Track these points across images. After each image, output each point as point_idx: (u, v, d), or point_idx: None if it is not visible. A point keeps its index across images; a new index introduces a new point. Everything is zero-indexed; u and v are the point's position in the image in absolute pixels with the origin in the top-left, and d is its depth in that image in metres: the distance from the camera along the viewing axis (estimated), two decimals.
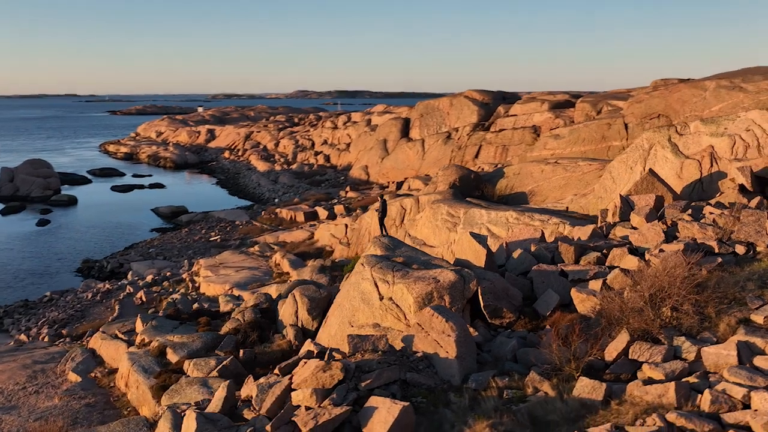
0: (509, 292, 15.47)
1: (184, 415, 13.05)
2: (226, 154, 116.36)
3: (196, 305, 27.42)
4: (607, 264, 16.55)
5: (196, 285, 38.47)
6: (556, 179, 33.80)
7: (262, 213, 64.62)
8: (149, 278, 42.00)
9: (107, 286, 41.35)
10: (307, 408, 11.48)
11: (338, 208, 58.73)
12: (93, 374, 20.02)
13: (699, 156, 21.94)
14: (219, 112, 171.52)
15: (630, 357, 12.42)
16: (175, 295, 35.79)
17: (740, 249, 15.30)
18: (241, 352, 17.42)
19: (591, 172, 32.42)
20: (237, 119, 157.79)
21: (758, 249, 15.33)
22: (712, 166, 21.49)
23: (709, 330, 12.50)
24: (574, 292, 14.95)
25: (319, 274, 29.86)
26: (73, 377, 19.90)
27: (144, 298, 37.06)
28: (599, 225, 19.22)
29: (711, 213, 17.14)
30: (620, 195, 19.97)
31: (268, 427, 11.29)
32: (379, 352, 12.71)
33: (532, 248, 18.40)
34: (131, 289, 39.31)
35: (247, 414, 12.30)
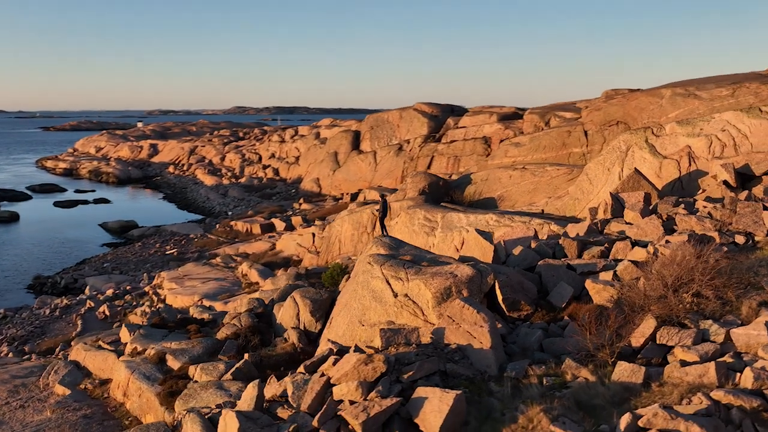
0: (524, 286, 15.54)
1: (210, 416, 12.57)
2: (171, 168, 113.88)
3: (179, 315, 26.51)
4: (611, 257, 16.83)
5: (162, 297, 37.36)
6: (524, 184, 34.31)
7: (217, 226, 63.53)
8: (109, 292, 40.60)
9: (65, 301, 39.74)
10: (351, 402, 11.17)
11: (296, 220, 58.23)
12: (82, 386, 19.03)
13: (677, 156, 22.64)
14: (160, 127, 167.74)
15: (658, 342, 12.58)
16: (142, 308, 34.70)
17: (740, 239, 15.82)
18: (246, 355, 16.90)
19: (559, 177, 33.06)
20: (179, 134, 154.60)
21: (757, 238, 15.89)
22: (690, 165, 22.21)
23: (732, 313, 12.83)
24: (589, 284, 15.12)
25: (297, 281, 29.35)
26: (61, 390, 18.88)
27: (107, 312, 35.81)
28: (593, 221, 19.53)
29: (705, 207, 17.67)
30: (610, 193, 20.37)
31: (314, 423, 10.94)
32: (413, 345, 12.52)
33: (532, 245, 18.56)
34: (92, 304, 37.91)
35: (282, 412, 11.89)
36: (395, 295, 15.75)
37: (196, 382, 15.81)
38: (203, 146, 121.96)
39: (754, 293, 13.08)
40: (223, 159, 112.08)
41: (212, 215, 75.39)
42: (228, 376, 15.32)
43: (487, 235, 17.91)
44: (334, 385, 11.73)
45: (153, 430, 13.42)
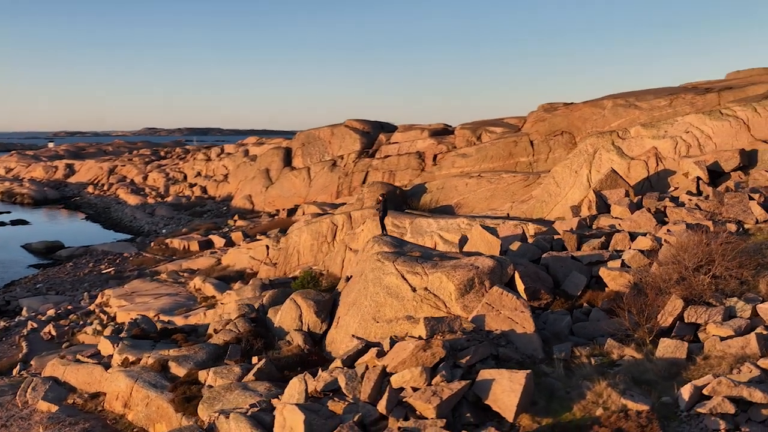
0: (540, 275, 15.74)
1: (251, 415, 12.01)
2: (90, 188, 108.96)
3: (160, 325, 25.24)
4: (611, 248, 17.32)
5: (111, 315, 35.60)
6: (481, 191, 34.90)
7: (151, 244, 61.25)
8: (50, 313, 38.31)
9: (2, 323, 37.17)
10: (414, 388, 10.95)
11: (236, 236, 56.99)
12: (70, 401, 17.72)
13: (644, 156, 23.63)
14: (74, 147, 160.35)
15: (686, 321, 12.99)
16: (92, 327, 33.00)
17: (731, 227, 16.62)
18: (257, 359, 16.30)
19: (516, 183, 33.83)
20: (95, 154, 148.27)
21: (747, 226, 16.78)
22: (658, 165, 23.22)
23: (751, 291, 13.44)
24: (604, 271, 15.48)
25: (266, 291, 28.60)
26: (46, 406, 17.52)
27: (54, 332, 33.81)
28: (582, 218, 20.05)
29: (691, 199, 18.50)
30: (593, 191, 20.99)
31: (380, 410, 10.65)
32: (458, 332, 12.41)
33: (529, 240, 18.86)
34: (34, 325, 35.66)
35: (333, 405, 11.49)
36: (413, 290, 15.61)
37: (211, 386, 15.08)
38: (123, 165, 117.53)
39: (766, 272, 13.76)
40: (145, 178, 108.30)
41: (142, 234, 72.60)
42: (250, 377, 14.68)
43: (492, 230, 18.06)
44: (391, 373, 11.46)
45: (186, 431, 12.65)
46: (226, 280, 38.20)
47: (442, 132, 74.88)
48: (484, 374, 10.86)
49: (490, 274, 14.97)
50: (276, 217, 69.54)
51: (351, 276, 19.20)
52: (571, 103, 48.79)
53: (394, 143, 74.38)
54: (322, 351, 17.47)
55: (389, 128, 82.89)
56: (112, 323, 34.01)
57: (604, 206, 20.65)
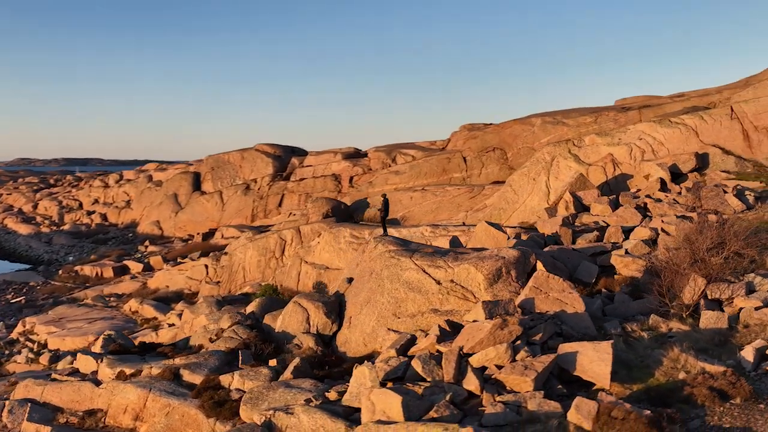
0: (557, 265, 16.17)
1: (324, 406, 11.50)
2: None
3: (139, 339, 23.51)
4: (605, 241, 18.10)
5: (42, 342, 32.94)
6: (426, 204, 35.39)
7: (59, 272, 57.23)
8: None
9: None
10: (498, 366, 10.92)
11: (155, 260, 54.65)
12: (62, 421, 16.10)
13: (602, 162, 24.93)
14: None
15: (710, 297, 13.80)
16: (22, 355, 30.45)
17: (712, 217, 17.85)
18: (275, 361, 15.64)
19: (460, 195, 34.59)
20: None
21: (725, 216, 18.04)
22: (615, 169, 24.57)
23: (761, 268, 14.48)
24: (616, 259, 16.15)
25: (229, 306, 27.48)
26: (33, 428, 15.82)
27: None
28: (565, 216, 20.81)
29: (667, 195, 19.70)
30: (569, 192, 21.86)
31: (470, 388, 10.52)
32: (515, 315, 12.51)
33: (523, 237, 19.35)
34: None
35: (412, 388, 11.21)
36: (438, 283, 15.58)
37: (239, 389, 14.28)
38: (9, 194, 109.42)
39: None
40: (35, 207, 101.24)
41: (42, 263, 67.78)
42: (288, 375, 14.03)
43: (497, 226, 18.36)
44: (468, 354, 11.37)
45: (246, 430, 11.80)
46: (165, 301, 36.32)
47: (355, 155, 75.41)
48: (565, 347, 11.01)
49: (515, 263, 15.24)
50: (190, 241, 67.05)
51: (352, 278, 18.85)
52: (490, 124, 50.61)
53: (308, 166, 73.95)
54: (334, 352, 17.00)
55: (300, 152, 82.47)
56: (45, 350, 31.52)
57: (580, 206, 21.55)
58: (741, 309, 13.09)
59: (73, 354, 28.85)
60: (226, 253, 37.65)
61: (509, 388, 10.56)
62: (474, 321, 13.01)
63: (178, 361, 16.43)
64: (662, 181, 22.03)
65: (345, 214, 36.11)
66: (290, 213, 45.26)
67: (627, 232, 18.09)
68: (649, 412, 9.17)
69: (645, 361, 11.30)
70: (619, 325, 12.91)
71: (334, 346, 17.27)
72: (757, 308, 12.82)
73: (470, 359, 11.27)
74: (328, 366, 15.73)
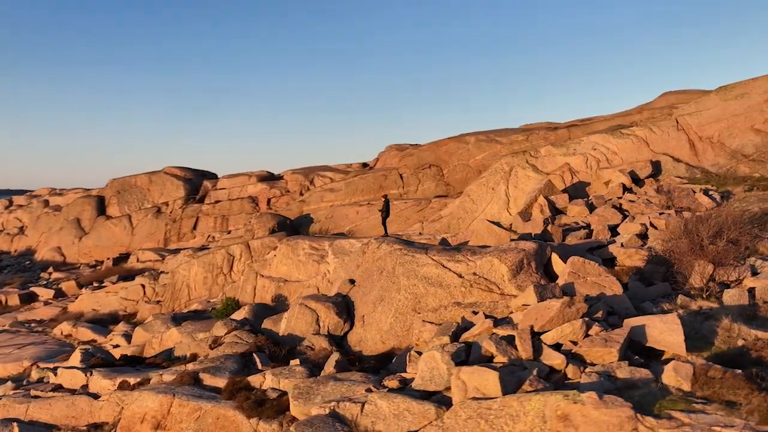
0: (566, 258, 16.65)
1: (401, 390, 11.20)
2: None
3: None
4: (594, 237, 18.89)
5: None
6: (374, 218, 35.40)
7: None
8: None
9: None
10: (573, 341, 11.11)
11: (68, 285, 51.29)
12: None
13: (559, 171, 26.05)
14: None
15: (718, 281, 14.73)
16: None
17: (687, 214, 19.08)
18: (297, 361, 15.04)
19: (408, 209, 34.92)
20: None
21: (698, 213, 19.33)
22: (573, 178, 25.72)
23: (755, 254, 15.61)
24: (619, 251, 16.86)
25: (189, 321, 26.08)
26: None
27: None
28: (545, 218, 21.51)
29: (639, 197, 20.87)
30: (543, 196, 22.64)
31: (552, 364, 10.62)
32: (564, 298, 12.77)
33: (512, 236, 19.80)
34: None
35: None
36: (460, 276, 15.64)
37: (275, 389, 13.60)
38: None
39: (757, 238, 16.11)
40: None
41: None
42: (331, 369, 13.51)
43: (497, 224, 18.67)
44: (539, 333, 11.49)
45: (318, 422, 11.15)
46: (99, 323, 33.95)
47: (269, 178, 74.34)
48: (631, 322, 11.38)
49: (535, 255, 15.60)
50: (99, 267, 63.11)
51: (353, 279, 18.51)
52: (417, 144, 51.50)
53: (222, 189, 72.00)
54: (348, 352, 16.57)
55: (211, 176, 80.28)
56: None
57: (554, 209, 22.37)
58: (752, 288, 14.04)
59: (5, 380, 26.40)
60: (165, 272, 35.75)
61: (589, 360, 10.74)
62: (524, 305, 13.19)
63: (191, 366, 15.40)
64: (624, 186, 23.33)
65: (291, 229, 35.44)
66: (209, 236, 43.95)
67: (612, 229, 18.99)
68: (740, 371, 9.65)
69: (700, 332, 11.86)
70: (653, 305, 13.47)
71: (347, 346, 16.84)
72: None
73: (542, 337, 11.40)
74: (351, 363, 15.32)
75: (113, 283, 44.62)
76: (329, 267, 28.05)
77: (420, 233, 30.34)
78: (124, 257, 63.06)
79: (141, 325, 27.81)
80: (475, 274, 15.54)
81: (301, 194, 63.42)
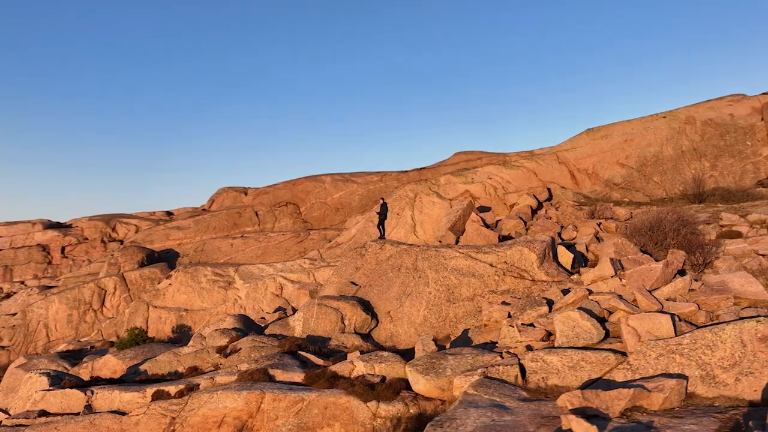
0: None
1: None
2: None
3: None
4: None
5: None
6: (251, 250, 33.62)
7: None
8: None
9: None
10: (680, 296, 12.20)
11: None
12: None
13: (461, 197, 27.71)
14: None
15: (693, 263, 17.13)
16: None
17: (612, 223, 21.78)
18: (356, 353, 13.94)
19: (287, 241, 33.82)
20: None
21: (619, 222, 22.14)
22: (474, 203, 27.50)
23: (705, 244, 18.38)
24: (594, 247, 18.57)
25: (61, 361, 21.97)
26: None
27: None
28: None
29: (563, 211, 23.19)
30: (476, 213, 23.92)
31: (687, 312, 11.58)
32: (662, 261, 13.87)
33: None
34: None
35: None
36: (491, 266, 15.97)
37: (371, 373, 12.47)
38: None
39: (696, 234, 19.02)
40: None
41: None
42: (433, 347, 12.73)
43: (488, 226, 19.27)
44: (651, 290, 12.37)
45: (487, 384, 10.31)
46: None
47: (57, 226, 65.75)
48: (712, 279, 12.86)
49: (551, 246, 16.61)
50: None
51: (354, 281, 17.61)
52: (248, 188, 50.13)
53: (0, 237, 61.71)
54: (380, 347, 15.70)
55: None
56: None
57: (485, 225, 23.72)
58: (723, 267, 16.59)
59: None
60: (12, 313, 29.42)
61: (705, 308, 11.89)
62: (601, 276, 14.00)
63: (244, 366, 13.29)
64: (531, 208, 25.66)
65: (159, 261, 31.84)
66: (109, 261, 38.09)
67: (558, 236, 20.85)
68: None
69: None
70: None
71: (374, 342, 15.93)
72: (737, 259, 16.46)
73: (655, 293, 12.30)
74: None
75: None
76: (242, 293, 26.00)
77: (321, 257, 29.65)
78: None
79: (30, 371, 22.72)
80: (506, 263, 15.99)
81: (103, 241, 57.80)
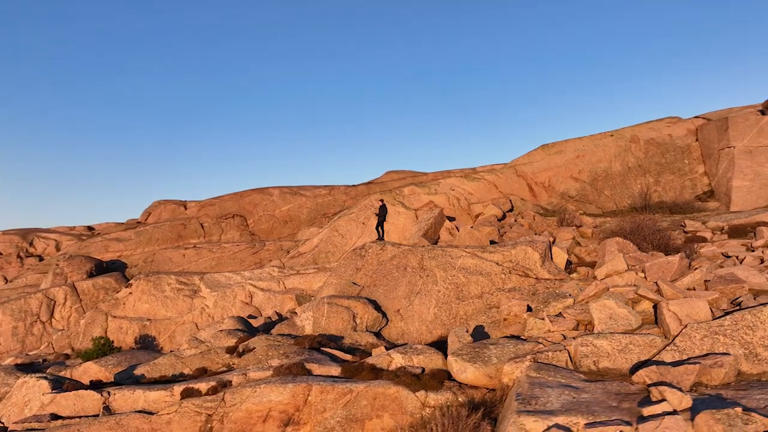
0: None
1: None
2: None
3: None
4: None
5: None
6: (204, 260, 32.38)
7: None
8: None
9: None
10: (698, 286, 12.89)
11: None
12: None
13: (426, 207, 28.01)
14: None
15: None
16: None
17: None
18: (381, 348, 13.71)
19: (242, 251, 32.85)
20: None
21: (589, 228, 23.07)
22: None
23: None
24: (579, 250, 19.25)
25: (41, 373, 20.26)
26: None
27: None
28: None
29: (535, 219, 23.92)
30: (449, 220, 24.20)
31: (711, 299, 12.23)
32: (679, 254, 14.49)
33: None
34: None
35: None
36: (498, 264, 16.21)
37: (410, 365, 12.29)
38: None
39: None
40: None
41: None
42: (469, 338, 12.67)
43: (477, 229, 19.48)
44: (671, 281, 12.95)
45: (544, 368, 10.31)
46: None
47: None
48: (720, 271, 13.67)
49: (549, 247, 17.08)
50: None
51: (355, 282, 17.32)
52: (186, 201, 48.50)
53: None
54: (390, 344, 15.51)
55: None
56: None
57: (456, 231, 24.05)
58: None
59: None
60: None
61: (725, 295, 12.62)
62: (615, 271, 14.50)
63: (276, 362, 12.71)
64: (496, 217, 26.27)
65: (108, 272, 29.91)
66: (54, 271, 35.20)
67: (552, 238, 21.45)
68: None
69: None
70: None
71: (385, 339, 15.70)
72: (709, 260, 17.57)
73: (675, 283, 12.90)
74: None
75: None
76: (209, 301, 24.94)
77: (283, 266, 28.99)
78: None
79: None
80: (511, 261, 16.28)
81: (19, 257, 54.09)
